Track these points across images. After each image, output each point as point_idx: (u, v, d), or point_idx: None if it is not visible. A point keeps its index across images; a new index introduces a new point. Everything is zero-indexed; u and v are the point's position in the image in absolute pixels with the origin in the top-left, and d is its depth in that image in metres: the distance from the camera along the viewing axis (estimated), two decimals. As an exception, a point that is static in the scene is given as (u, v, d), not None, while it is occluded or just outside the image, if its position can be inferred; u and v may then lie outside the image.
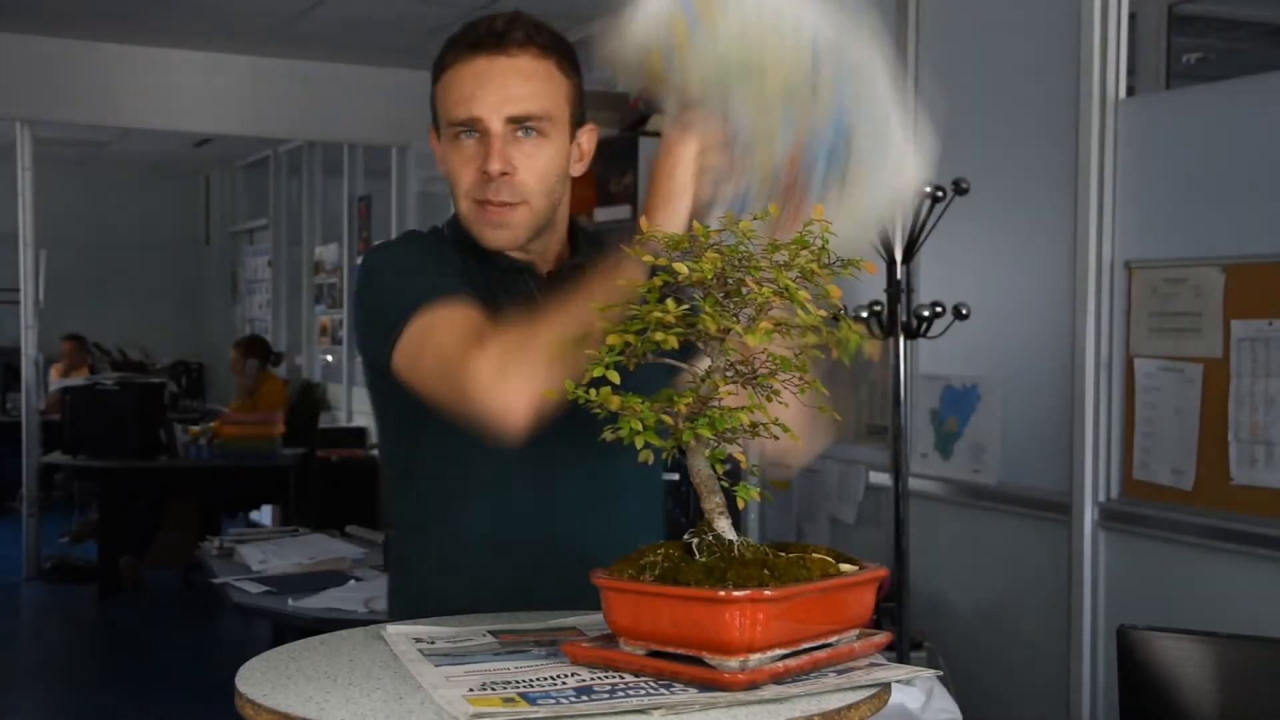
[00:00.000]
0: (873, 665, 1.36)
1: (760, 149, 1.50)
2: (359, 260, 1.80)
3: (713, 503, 1.35)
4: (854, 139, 1.50)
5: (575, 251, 1.78)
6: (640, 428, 1.32)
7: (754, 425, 1.34)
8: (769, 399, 1.33)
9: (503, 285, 1.71)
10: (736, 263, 1.32)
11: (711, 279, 1.31)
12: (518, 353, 1.47)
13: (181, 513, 7.19)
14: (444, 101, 1.68)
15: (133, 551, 7.07)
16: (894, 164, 1.49)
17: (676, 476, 3.89)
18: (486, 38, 1.65)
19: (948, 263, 3.90)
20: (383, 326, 1.62)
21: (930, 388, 3.99)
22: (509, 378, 1.46)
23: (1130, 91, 3.49)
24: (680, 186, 1.50)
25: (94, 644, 6.30)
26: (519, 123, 1.65)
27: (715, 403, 1.35)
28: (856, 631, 1.37)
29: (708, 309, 1.31)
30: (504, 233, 1.68)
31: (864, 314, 3.30)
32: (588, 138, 1.74)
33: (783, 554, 1.33)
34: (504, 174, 1.64)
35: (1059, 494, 3.53)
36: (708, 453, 1.35)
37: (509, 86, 1.64)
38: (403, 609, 1.74)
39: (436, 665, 1.36)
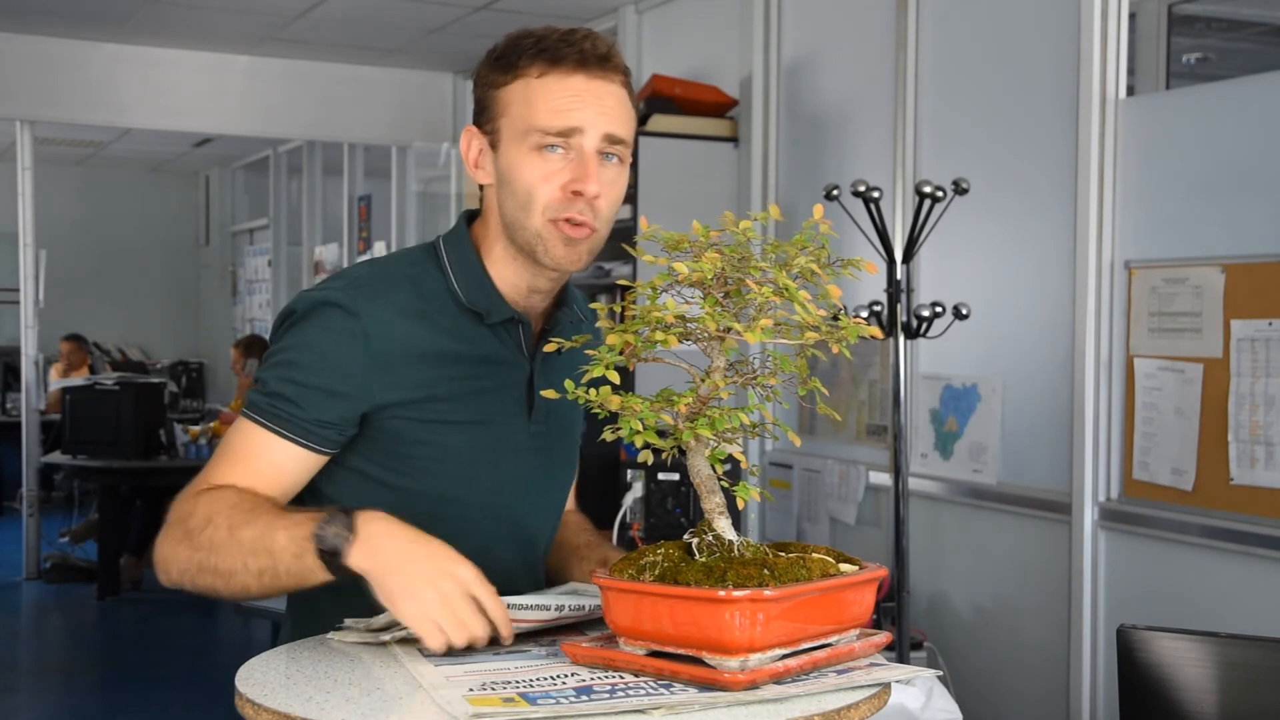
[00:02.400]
0: (873, 665, 1.36)
1: None
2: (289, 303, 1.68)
3: (713, 503, 1.35)
4: None
5: (561, 303, 1.72)
6: (640, 428, 1.32)
7: (753, 425, 1.35)
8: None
9: (497, 336, 1.66)
10: (736, 263, 1.32)
11: (711, 279, 1.31)
12: (185, 546, 1.51)
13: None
14: (531, 108, 1.58)
15: (132, 551, 7.07)
16: None
17: (676, 476, 3.89)
18: (591, 58, 1.60)
19: (948, 263, 3.90)
20: (253, 386, 1.63)
21: (930, 388, 3.99)
22: (163, 556, 1.54)
23: (1130, 91, 3.49)
24: None
25: (94, 644, 6.30)
26: (610, 143, 1.60)
27: (715, 403, 1.35)
28: (856, 631, 1.37)
29: (708, 309, 1.32)
30: (573, 252, 1.60)
31: (864, 314, 3.30)
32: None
33: (783, 554, 1.33)
34: (597, 196, 1.59)
35: (1059, 494, 3.53)
36: (708, 453, 1.35)
37: (607, 107, 1.60)
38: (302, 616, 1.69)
39: (436, 665, 1.36)
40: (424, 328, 1.61)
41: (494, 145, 1.63)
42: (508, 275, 1.65)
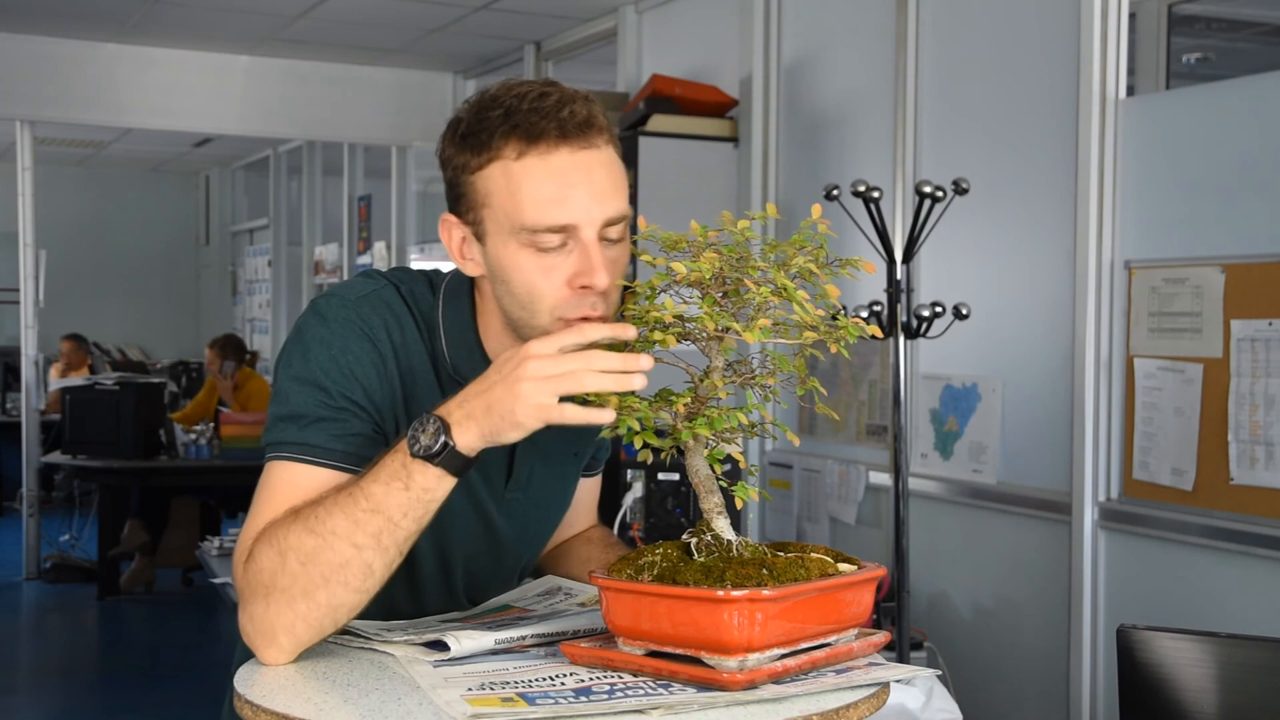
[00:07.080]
0: (872, 665, 1.36)
1: None
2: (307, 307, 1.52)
3: (711, 502, 1.35)
4: None
5: None
6: (639, 428, 1.32)
7: (751, 425, 1.35)
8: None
9: None
10: (735, 263, 1.32)
11: (710, 279, 1.31)
12: (276, 599, 1.35)
13: (181, 513, 7.19)
14: (515, 200, 1.40)
15: (144, 552, 7.05)
16: None
17: (676, 476, 3.89)
18: (571, 127, 1.40)
19: (948, 263, 3.90)
20: (267, 429, 1.47)
21: (930, 388, 3.99)
22: (264, 622, 1.37)
23: (1130, 91, 3.49)
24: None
25: (94, 644, 6.30)
26: (609, 225, 1.42)
27: (714, 403, 1.35)
28: (855, 631, 1.37)
29: (706, 309, 1.31)
30: None
31: (864, 314, 3.30)
32: None
33: (781, 554, 1.33)
34: (607, 289, 1.42)
35: (1059, 494, 3.53)
36: (706, 452, 1.35)
37: (599, 185, 1.41)
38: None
39: (435, 666, 1.36)
40: (417, 391, 1.50)
41: (479, 237, 1.46)
42: (506, 343, 1.51)
